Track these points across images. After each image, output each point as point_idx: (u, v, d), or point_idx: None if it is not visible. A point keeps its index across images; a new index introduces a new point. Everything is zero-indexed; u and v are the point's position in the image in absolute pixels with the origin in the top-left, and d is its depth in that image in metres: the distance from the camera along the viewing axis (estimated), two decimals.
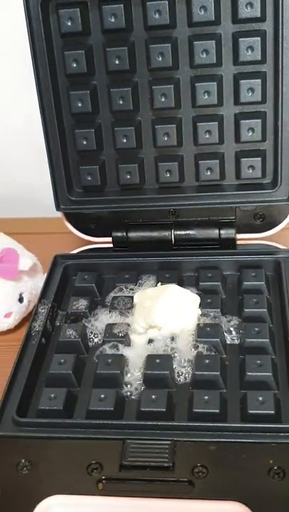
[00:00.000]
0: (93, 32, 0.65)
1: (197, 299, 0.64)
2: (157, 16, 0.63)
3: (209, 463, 0.49)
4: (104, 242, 0.76)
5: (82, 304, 0.67)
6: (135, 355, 0.60)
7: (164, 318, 0.62)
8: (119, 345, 0.61)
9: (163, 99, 0.67)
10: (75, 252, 0.76)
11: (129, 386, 0.57)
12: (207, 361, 0.57)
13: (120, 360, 0.59)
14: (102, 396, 0.55)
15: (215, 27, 0.64)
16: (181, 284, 0.68)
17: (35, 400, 0.57)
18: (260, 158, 0.68)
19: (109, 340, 0.62)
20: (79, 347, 0.62)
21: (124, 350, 0.60)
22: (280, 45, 0.63)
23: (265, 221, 0.73)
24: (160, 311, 0.62)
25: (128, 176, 0.71)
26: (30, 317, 0.66)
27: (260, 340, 0.59)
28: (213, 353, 0.59)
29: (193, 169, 0.71)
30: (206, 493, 0.48)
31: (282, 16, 0.62)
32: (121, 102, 0.67)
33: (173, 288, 0.65)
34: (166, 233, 0.73)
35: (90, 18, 0.65)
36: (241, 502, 0.47)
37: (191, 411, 0.54)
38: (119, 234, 0.74)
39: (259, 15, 0.63)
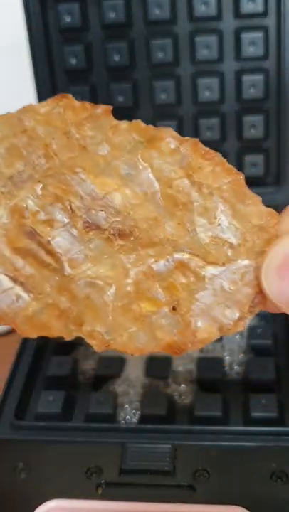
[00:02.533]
0: (92, 27, 0.65)
1: None
2: (158, 10, 0.63)
3: (211, 467, 0.49)
4: None
5: None
6: (135, 358, 0.59)
7: None
8: None
9: (164, 96, 0.66)
10: None
11: (129, 389, 0.57)
12: (209, 363, 0.57)
13: (120, 362, 0.58)
14: (102, 399, 0.55)
15: (216, 22, 0.64)
16: None
17: (34, 402, 0.56)
18: (262, 156, 0.68)
19: None
20: (78, 349, 0.61)
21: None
22: (283, 40, 0.62)
23: None
24: None
25: None
26: None
27: (263, 342, 0.59)
28: (215, 355, 0.58)
29: None
30: (208, 497, 0.47)
31: (285, 11, 0.61)
32: (121, 99, 0.67)
33: None
34: None
35: (89, 12, 0.64)
36: (243, 506, 0.46)
37: (193, 414, 0.53)
38: None
39: (261, 10, 0.62)
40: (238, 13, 0.63)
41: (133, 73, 0.67)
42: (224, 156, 0.73)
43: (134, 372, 0.58)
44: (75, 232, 0.32)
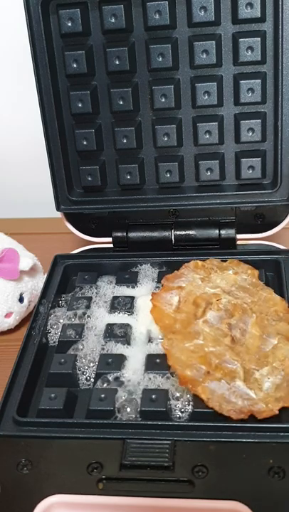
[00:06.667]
0: (93, 32, 0.66)
1: None
2: (157, 16, 0.63)
3: (209, 462, 0.50)
4: (104, 242, 0.76)
5: (82, 303, 0.67)
6: (135, 355, 0.60)
7: None
8: (119, 345, 0.61)
9: (163, 100, 0.67)
10: (75, 252, 0.76)
11: (129, 385, 0.57)
12: None
13: (120, 360, 0.59)
14: (103, 396, 0.55)
15: (215, 27, 0.64)
16: None
17: (36, 399, 0.57)
18: (260, 159, 0.68)
19: (109, 339, 0.62)
20: (78, 346, 0.62)
21: (124, 350, 0.61)
22: (280, 45, 0.63)
23: (265, 221, 0.73)
24: None
25: (128, 176, 0.71)
26: (30, 317, 0.66)
27: None
28: None
29: (193, 169, 0.71)
30: (206, 492, 0.48)
31: (282, 17, 0.62)
32: (121, 103, 0.68)
33: None
34: (166, 233, 0.73)
35: (90, 18, 0.65)
36: (241, 501, 0.47)
37: (192, 410, 0.54)
38: (119, 234, 0.74)
39: (259, 15, 0.63)
40: (236, 19, 0.63)
41: (133, 77, 0.68)
42: (222, 158, 0.75)
43: (134, 369, 0.58)
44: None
